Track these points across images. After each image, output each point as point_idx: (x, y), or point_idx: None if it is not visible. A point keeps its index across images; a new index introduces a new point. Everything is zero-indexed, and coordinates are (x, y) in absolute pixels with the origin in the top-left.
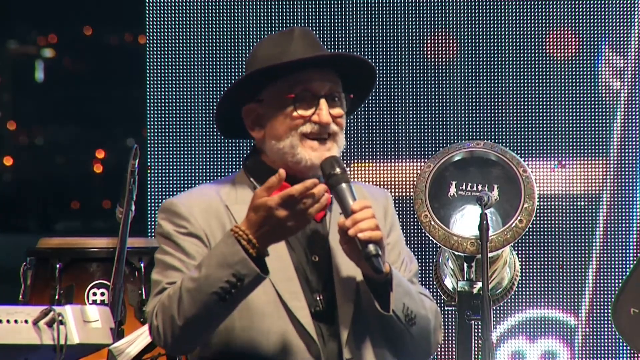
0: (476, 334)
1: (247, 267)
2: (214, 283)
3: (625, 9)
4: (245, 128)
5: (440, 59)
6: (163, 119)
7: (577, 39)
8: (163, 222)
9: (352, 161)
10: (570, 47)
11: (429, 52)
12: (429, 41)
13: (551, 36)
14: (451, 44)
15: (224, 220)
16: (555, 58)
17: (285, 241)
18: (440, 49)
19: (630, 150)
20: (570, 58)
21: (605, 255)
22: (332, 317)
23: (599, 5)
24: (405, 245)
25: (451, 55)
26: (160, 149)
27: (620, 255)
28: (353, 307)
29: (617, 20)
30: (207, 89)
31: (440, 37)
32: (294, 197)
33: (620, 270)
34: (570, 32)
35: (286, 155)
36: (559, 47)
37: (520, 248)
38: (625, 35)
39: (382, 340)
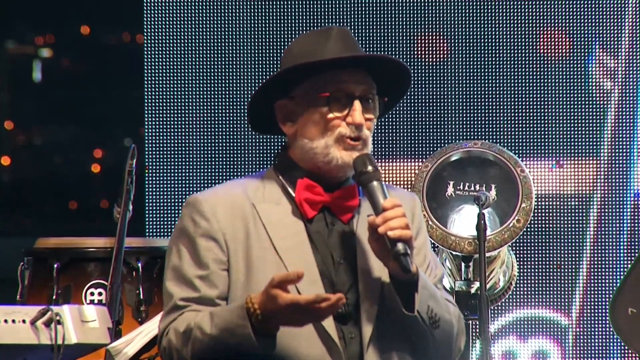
0: (473, 334)
1: (252, 344)
2: (219, 345)
3: (616, 9)
4: (275, 124)
5: (431, 59)
6: (161, 119)
7: (569, 39)
8: (184, 218)
9: None
10: (561, 47)
11: (423, 52)
12: (422, 40)
13: (543, 36)
14: (442, 44)
15: (248, 220)
16: (547, 58)
17: (310, 242)
18: (434, 48)
19: (621, 151)
20: (562, 58)
21: (596, 255)
22: (355, 319)
23: (590, 6)
24: (431, 250)
25: (443, 55)
26: (158, 148)
27: (611, 255)
28: (377, 310)
29: (608, 21)
30: (205, 89)
31: (433, 37)
32: (301, 306)
33: (611, 270)
34: (561, 32)
35: (318, 155)
36: (550, 47)
37: (512, 248)
38: (617, 35)
39: (405, 343)
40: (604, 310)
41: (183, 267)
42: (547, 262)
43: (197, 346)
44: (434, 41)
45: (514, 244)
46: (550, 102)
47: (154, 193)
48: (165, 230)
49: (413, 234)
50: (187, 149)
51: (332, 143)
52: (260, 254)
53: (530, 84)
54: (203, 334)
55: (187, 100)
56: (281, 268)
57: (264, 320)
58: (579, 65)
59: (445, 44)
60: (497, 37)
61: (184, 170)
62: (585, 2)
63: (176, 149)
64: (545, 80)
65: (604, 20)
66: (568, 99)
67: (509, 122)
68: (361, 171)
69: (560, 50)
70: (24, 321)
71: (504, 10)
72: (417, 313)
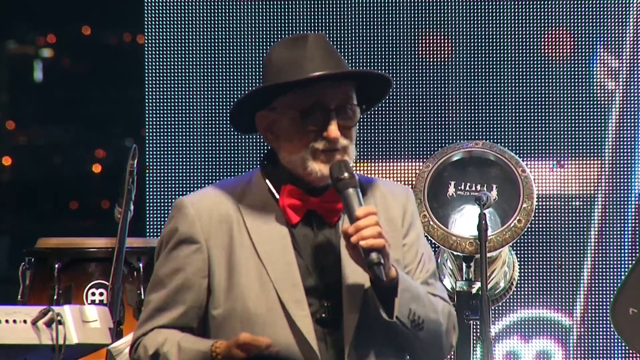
0: (474, 334)
1: None
2: None
3: (619, 9)
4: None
5: (436, 59)
6: (162, 119)
7: (572, 39)
8: (170, 221)
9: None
10: (565, 47)
11: (424, 52)
12: (424, 41)
13: (546, 36)
14: (446, 44)
15: (232, 224)
16: (550, 58)
17: (294, 247)
18: (436, 48)
19: (624, 151)
20: (565, 58)
21: (599, 255)
22: (337, 325)
23: (594, 6)
24: (426, 243)
25: (446, 55)
26: (159, 149)
27: (614, 255)
28: (359, 313)
29: (612, 21)
30: (206, 89)
31: (436, 37)
32: None
33: (614, 270)
34: (565, 32)
35: (298, 167)
36: (554, 47)
37: (515, 248)
38: (620, 35)
39: (389, 347)
40: (607, 311)
41: (160, 272)
42: (551, 263)
43: None
44: (437, 41)
45: (517, 245)
46: (553, 103)
47: (155, 193)
48: None
49: (403, 231)
50: (188, 149)
51: (309, 157)
52: (243, 259)
53: (533, 84)
54: None
55: (187, 100)
56: (262, 273)
57: None
58: (582, 66)
59: (448, 44)
60: (500, 37)
61: (184, 171)
62: (589, 2)
63: (177, 149)
64: (548, 81)
65: (607, 21)
66: (571, 99)
67: (511, 122)
68: (337, 177)
69: (563, 51)
70: (25, 321)
71: (507, 11)
72: (397, 318)
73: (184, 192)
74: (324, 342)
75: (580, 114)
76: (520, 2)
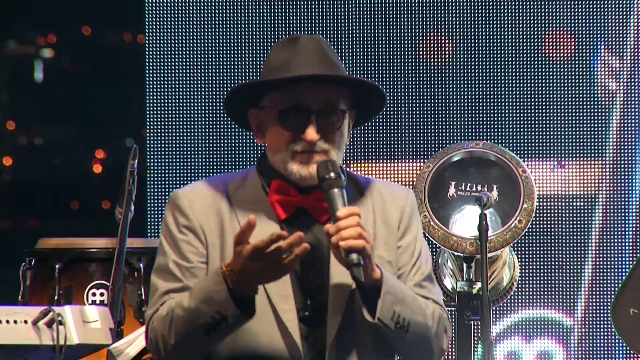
0: (475, 334)
1: (230, 308)
2: (199, 317)
3: (621, 10)
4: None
5: (437, 59)
6: (162, 119)
7: (574, 40)
8: (166, 214)
9: (352, 161)
10: (567, 48)
11: (426, 52)
12: (426, 41)
13: (548, 37)
14: (448, 44)
15: (224, 216)
16: (552, 59)
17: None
18: (437, 49)
19: (626, 151)
20: (567, 59)
21: (601, 255)
22: (321, 324)
23: (596, 7)
24: (425, 246)
25: (448, 56)
26: (159, 149)
27: (616, 255)
28: (343, 312)
29: (613, 22)
30: (207, 89)
31: (437, 37)
32: (262, 250)
33: (616, 270)
34: (567, 33)
35: (279, 168)
36: (555, 47)
37: (516, 248)
38: (622, 36)
39: (374, 349)
40: (608, 311)
41: (166, 261)
42: (552, 263)
43: (180, 325)
44: (438, 41)
45: (518, 245)
46: (554, 103)
47: (156, 193)
48: None
49: (399, 233)
50: (189, 149)
51: (289, 159)
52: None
53: (534, 84)
54: (183, 309)
55: (188, 100)
56: None
57: (238, 281)
58: (583, 66)
59: (448, 44)
60: (500, 37)
61: (185, 171)
62: (590, 2)
63: (177, 149)
64: (549, 81)
65: (609, 21)
66: (572, 99)
67: (511, 122)
68: (322, 177)
69: (564, 51)
70: (25, 322)
71: (509, 11)
72: (379, 319)
73: None
74: (307, 340)
75: (582, 114)
76: (521, 3)
